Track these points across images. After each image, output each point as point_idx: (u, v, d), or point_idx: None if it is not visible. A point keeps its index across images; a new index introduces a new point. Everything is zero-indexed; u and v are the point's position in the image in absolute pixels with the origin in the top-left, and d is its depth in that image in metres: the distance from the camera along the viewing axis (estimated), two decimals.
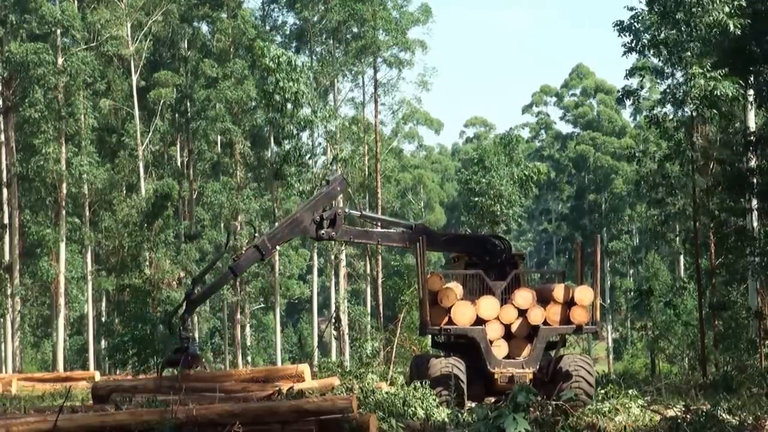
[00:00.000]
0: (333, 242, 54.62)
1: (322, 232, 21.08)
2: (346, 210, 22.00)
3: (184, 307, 21.25)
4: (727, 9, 29.73)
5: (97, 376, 35.66)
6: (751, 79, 31.55)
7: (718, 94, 29.09)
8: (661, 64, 32.14)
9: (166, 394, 20.08)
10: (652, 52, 31.85)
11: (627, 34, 31.86)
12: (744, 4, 30.17)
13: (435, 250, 23.73)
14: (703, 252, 37.98)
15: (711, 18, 29.70)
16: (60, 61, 48.22)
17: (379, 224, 23.26)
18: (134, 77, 54.28)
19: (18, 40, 48.02)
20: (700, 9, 29.95)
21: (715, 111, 30.36)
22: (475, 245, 22.29)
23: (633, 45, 31.84)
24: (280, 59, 45.66)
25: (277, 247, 21.30)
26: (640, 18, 31.67)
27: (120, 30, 52.62)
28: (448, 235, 25.10)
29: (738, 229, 33.20)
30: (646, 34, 31.89)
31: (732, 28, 29.59)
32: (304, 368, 23.15)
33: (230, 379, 21.76)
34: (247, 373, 22.55)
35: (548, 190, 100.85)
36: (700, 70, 29.73)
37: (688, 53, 30.76)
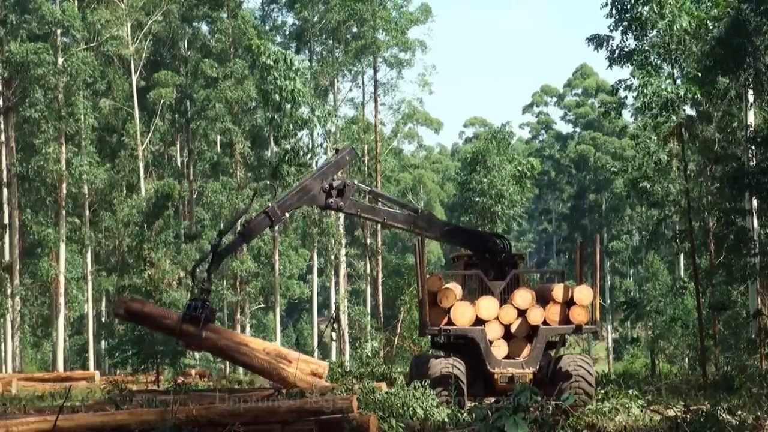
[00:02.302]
0: (334, 243, 54.64)
1: (331, 201, 20.96)
2: (355, 182, 21.97)
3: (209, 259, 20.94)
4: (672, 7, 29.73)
5: (97, 377, 35.70)
6: (749, 77, 31.56)
7: (673, 98, 29.13)
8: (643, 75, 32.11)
9: (186, 338, 19.76)
10: (627, 63, 31.85)
11: (601, 48, 31.96)
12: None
13: (435, 238, 23.46)
14: (702, 252, 38.01)
15: (666, 20, 29.75)
16: (60, 61, 48.20)
17: (386, 203, 23.01)
18: (134, 77, 54.27)
19: (18, 40, 47.98)
20: (653, 12, 29.98)
21: (676, 117, 30.34)
22: (476, 241, 22.22)
23: (612, 58, 31.92)
24: (277, 57, 45.65)
25: (286, 215, 21.28)
26: (614, 28, 31.74)
27: (120, 30, 52.61)
28: (450, 225, 24.74)
29: (738, 230, 33.19)
30: (623, 44, 31.98)
31: (679, 26, 29.57)
32: (325, 367, 22.48)
33: (248, 347, 20.83)
34: (271, 350, 21.62)
35: (548, 190, 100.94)
36: (650, 77, 29.73)
37: (658, 59, 30.79)
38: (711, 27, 30.52)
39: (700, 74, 30.40)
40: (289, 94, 45.53)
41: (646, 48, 30.80)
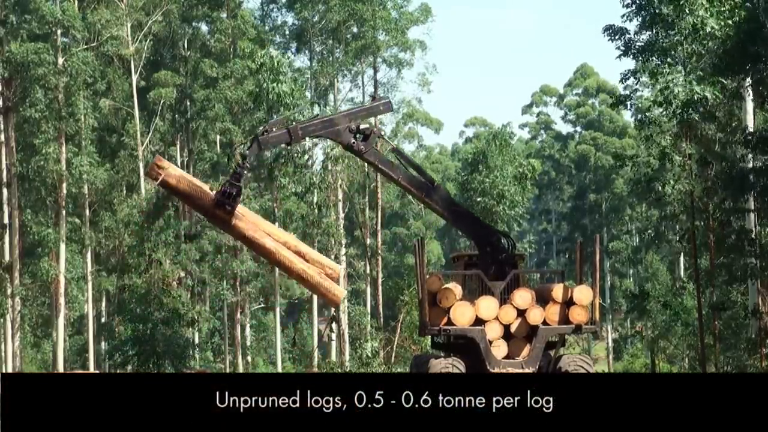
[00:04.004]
0: (334, 243, 54.59)
1: (353, 142, 20.83)
2: (382, 134, 21.91)
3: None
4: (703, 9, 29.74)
5: None
6: (748, 79, 31.59)
7: (697, 98, 29.17)
8: (652, 67, 32.08)
9: (216, 223, 20.18)
10: (641, 56, 31.86)
11: (617, 38, 31.93)
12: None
13: (441, 214, 23.05)
14: (702, 252, 38.01)
15: (692, 18, 29.75)
16: (60, 61, 48.19)
17: (405, 165, 22.58)
18: (134, 77, 54.23)
19: (18, 40, 47.97)
20: (681, 10, 29.98)
21: (696, 116, 30.38)
22: (480, 231, 21.97)
23: (625, 49, 31.90)
24: (263, 59, 45.50)
25: (306, 138, 21.14)
26: (628, 19, 31.73)
27: (120, 30, 52.56)
28: (460, 207, 24.23)
29: (738, 230, 33.19)
30: (638, 37, 31.97)
31: (710, 29, 29.60)
32: (339, 271, 22.18)
33: (273, 239, 20.50)
34: (292, 245, 21.13)
35: (548, 190, 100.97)
36: (680, 76, 29.77)
37: (675, 57, 30.84)
38: (731, 33, 30.54)
39: (719, 76, 30.42)
40: (276, 96, 45.37)
41: (666, 46, 30.81)
